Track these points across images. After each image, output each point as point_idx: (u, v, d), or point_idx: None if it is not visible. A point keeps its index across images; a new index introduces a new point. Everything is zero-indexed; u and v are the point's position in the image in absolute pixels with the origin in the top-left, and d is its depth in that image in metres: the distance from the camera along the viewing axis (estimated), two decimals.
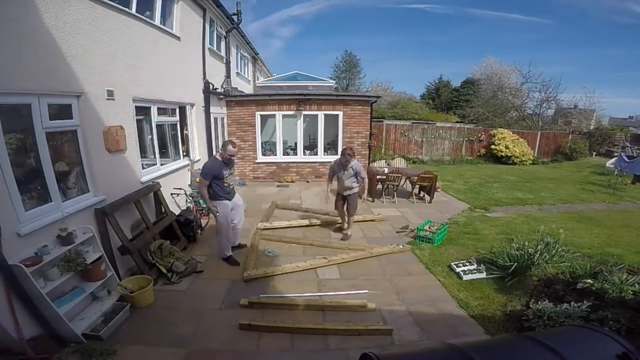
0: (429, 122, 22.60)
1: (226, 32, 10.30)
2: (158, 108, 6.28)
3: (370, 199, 8.90)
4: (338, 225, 6.73)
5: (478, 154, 17.57)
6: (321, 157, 11.40)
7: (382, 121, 18.99)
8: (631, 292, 3.88)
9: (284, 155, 11.45)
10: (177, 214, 6.06)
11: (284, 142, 11.56)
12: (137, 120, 5.43)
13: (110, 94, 4.62)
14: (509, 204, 9.09)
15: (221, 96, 9.83)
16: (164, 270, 4.59)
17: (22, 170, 3.48)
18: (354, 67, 42.79)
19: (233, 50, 11.86)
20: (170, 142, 7.13)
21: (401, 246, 5.79)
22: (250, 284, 4.63)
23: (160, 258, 4.65)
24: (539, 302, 3.88)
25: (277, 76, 16.90)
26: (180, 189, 6.75)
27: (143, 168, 5.71)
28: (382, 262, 5.30)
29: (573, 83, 59.23)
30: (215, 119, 9.83)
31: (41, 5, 3.49)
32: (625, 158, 12.37)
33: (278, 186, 10.51)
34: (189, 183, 7.35)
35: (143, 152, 5.85)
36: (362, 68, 43.25)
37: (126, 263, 4.65)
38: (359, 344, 3.43)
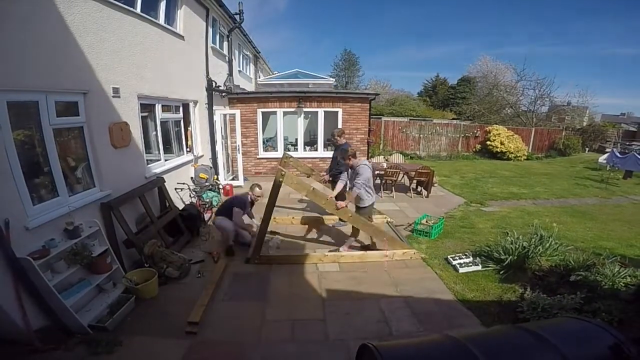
0: (426, 118, 22.63)
1: (228, 32, 10.40)
2: (162, 105, 6.37)
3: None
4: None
5: (474, 149, 17.74)
6: (321, 152, 11.52)
7: (380, 118, 19.06)
8: (623, 285, 3.98)
9: (284, 151, 11.51)
10: (180, 208, 6.14)
11: (285, 138, 11.65)
12: (141, 117, 5.50)
13: (115, 91, 4.69)
14: (504, 198, 9.22)
15: (224, 94, 9.91)
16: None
17: (30, 166, 3.52)
18: (353, 65, 42.75)
19: (235, 49, 11.94)
20: (174, 138, 7.21)
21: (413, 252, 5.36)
22: (252, 276, 4.74)
23: (153, 263, 4.59)
24: (533, 294, 3.97)
25: (278, 74, 17.07)
26: (183, 183, 6.83)
27: (148, 163, 5.79)
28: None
29: (567, 81, 59.54)
30: (225, 116, 9.98)
31: (49, 5, 3.55)
32: (618, 154, 12.57)
33: None
34: (192, 177, 7.44)
35: (148, 148, 5.93)
36: (360, 66, 43.31)
37: (131, 256, 4.72)
38: (358, 335, 3.51)
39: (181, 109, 7.37)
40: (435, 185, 9.66)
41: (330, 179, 6.57)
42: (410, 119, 20.29)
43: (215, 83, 8.82)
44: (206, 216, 6.72)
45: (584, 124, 24.66)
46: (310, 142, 12.27)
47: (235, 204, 5.51)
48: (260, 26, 65.42)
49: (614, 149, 14.45)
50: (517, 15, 66.09)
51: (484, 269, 4.90)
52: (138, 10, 5.37)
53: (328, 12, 79.09)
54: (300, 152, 11.52)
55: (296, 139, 11.58)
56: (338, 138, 6.49)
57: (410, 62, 76.89)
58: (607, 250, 5.11)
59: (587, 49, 62.29)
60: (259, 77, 17.49)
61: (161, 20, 6.29)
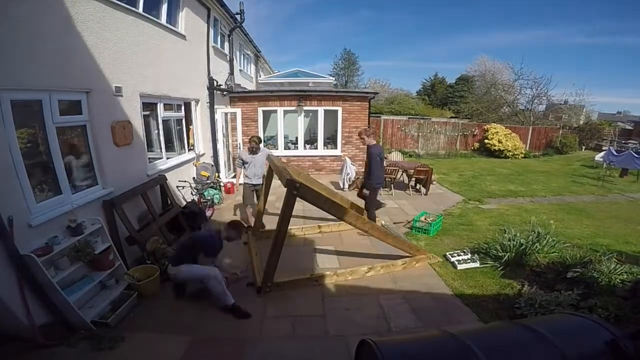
0: (425, 117, 22.69)
1: (229, 31, 10.45)
2: (164, 104, 6.41)
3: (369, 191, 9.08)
4: None
5: (472, 148, 17.84)
6: (321, 151, 11.61)
7: (379, 116, 19.09)
8: (619, 281, 4.01)
9: (285, 149, 11.61)
10: (182, 206, 6.19)
11: (285, 137, 11.74)
12: (143, 115, 5.54)
13: (118, 90, 4.72)
14: (502, 196, 9.29)
15: (225, 93, 9.97)
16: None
17: (34, 164, 3.55)
18: (353, 64, 42.87)
19: (236, 49, 12.01)
20: (175, 136, 7.26)
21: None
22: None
23: (155, 260, 4.62)
24: (531, 291, 4.01)
25: (279, 73, 17.18)
26: (185, 181, 6.87)
27: (150, 161, 5.84)
28: (379, 251, 5.39)
29: (564, 81, 59.83)
30: (226, 114, 10.08)
31: (51, 5, 3.58)
32: (614, 152, 12.65)
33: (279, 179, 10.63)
34: (194, 176, 7.48)
35: (150, 146, 5.98)
36: (360, 65, 43.43)
37: (133, 253, 4.74)
38: (358, 331, 3.54)
39: (183, 107, 7.44)
40: (433, 183, 9.73)
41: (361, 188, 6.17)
42: (409, 118, 20.33)
43: (217, 82, 8.87)
44: (208, 214, 6.76)
45: (581, 122, 24.83)
46: (311, 141, 12.35)
47: (204, 248, 4.04)
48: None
49: (611, 147, 14.52)
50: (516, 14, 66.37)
51: (482, 265, 4.94)
52: (140, 10, 5.40)
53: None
54: (301, 150, 11.59)
55: (296, 138, 11.67)
56: (366, 138, 5.80)
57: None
58: (604, 247, 5.10)
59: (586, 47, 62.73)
60: (260, 76, 17.54)
61: (163, 20, 6.34)
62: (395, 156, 12.28)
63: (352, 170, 9.23)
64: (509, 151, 16.78)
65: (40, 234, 3.34)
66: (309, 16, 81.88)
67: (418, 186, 9.26)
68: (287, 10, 76.96)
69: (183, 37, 7.13)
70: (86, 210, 4.01)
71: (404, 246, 5.06)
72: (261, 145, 6.18)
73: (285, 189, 3.97)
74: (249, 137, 6.28)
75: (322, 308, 4.01)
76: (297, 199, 4.04)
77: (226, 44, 10.52)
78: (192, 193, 6.99)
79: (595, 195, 9.65)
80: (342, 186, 9.30)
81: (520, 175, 12.55)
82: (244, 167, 6.03)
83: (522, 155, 17.20)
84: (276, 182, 5.22)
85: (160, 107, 6.24)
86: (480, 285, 4.47)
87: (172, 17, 6.83)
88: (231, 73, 10.39)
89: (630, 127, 26.86)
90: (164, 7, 6.40)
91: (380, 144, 16.29)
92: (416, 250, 5.14)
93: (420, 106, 31.32)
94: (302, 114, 11.25)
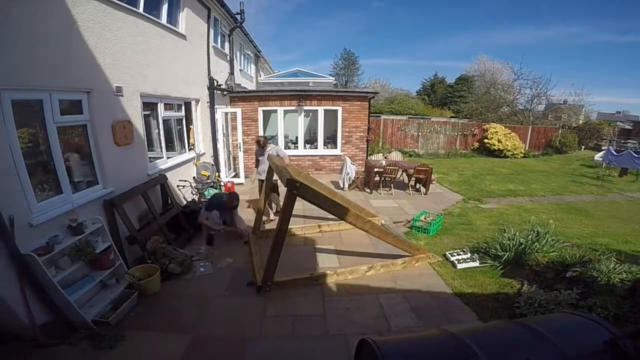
0: (425, 117, 22.73)
1: (230, 31, 10.48)
2: (164, 104, 6.43)
3: (369, 190, 9.10)
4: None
5: (472, 147, 17.84)
6: (321, 150, 11.62)
7: (379, 116, 19.14)
8: (618, 280, 4.02)
9: (285, 149, 11.53)
10: (182, 205, 6.19)
11: (286, 136, 11.77)
12: (144, 115, 5.55)
13: (118, 90, 4.73)
14: (501, 195, 9.29)
15: (225, 92, 9.99)
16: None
17: (34, 163, 3.56)
18: (353, 64, 42.95)
19: (236, 49, 12.04)
20: (176, 136, 7.28)
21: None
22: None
23: (155, 259, 4.61)
24: (530, 290, 4.02)
25: (279, 73, 17.21)
26: (185, 180, 6.89)
27: (150, 161, 5.85)
28: (379, 251, 5.40)
29: (563, 80, 59.81)
30: (226, 114, 10.15)
31: (52, 5, 3.58)
32: (613, 152, 12.65)
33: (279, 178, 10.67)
34: (194, 175, 7.48)
35: (150, 145, 5.99)
36: (360, 65, 43.46)
37: (134, 252, 4.76)
38: (358, 330, 3.55)
39: (183, 107, 7.47)
40: (433, 182, 9.75)
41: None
42: (409, 117, 20.37)
43: (217, 82, 8.89)
44: None
45: (580, 122, 24.85)
46: (311, 140, 12.38)
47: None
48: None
49: (610, 147, 14.52)
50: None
51: (481, 265, 4.94)
52: (141, 10, 5.41)
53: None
54: (301, 150, 11.61)
55: (296, 137, 11.69)
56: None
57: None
58: (603, 247, 5.12)
59: (585, 47, 62.76)
60: (260, 76, 17.56)
61: (163, 20, 6.35)
62: (395, 156, 12.28)
63: (352, 169, 9.24)
64: (509, 151, 16.79)
65: (41, 233, 3.34)
66: (310, 15, 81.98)
67: (418, 186, 9.27)
68: (287, 8, 77.02)
69: (183, 37, 7.15)
70: (87, 209, 4.02)
71: (403, 245, 5.06)
72: (268, 144, 6.87)
73: (285, 188, 3.98)
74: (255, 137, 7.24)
75: (322, 307, 4.01)
76: (297, 198, 4.05)
77: (226, 44, 10.55)
78: (192, 192, 7.01)
79: (594, 195, 9.65)
80: (342, 186, 9.30)
81: (519, 174, 12.56)
82: (258, 164, 7.02)
83: (522, 155, 17.20)
84: None
85: (160, 107, 6.26)
86: (479, 285, 4.48)
87: (172, 17, 6.85)
88: (231, 73, 10.41)
89: (629, 127, 26.87)
90: (165, 7, 6.41)
91: (380, 143, 16.44)
92: (416, 250, 5.14)
93: (420, 106, 31.30)
94: (302, 113, 11.27)
